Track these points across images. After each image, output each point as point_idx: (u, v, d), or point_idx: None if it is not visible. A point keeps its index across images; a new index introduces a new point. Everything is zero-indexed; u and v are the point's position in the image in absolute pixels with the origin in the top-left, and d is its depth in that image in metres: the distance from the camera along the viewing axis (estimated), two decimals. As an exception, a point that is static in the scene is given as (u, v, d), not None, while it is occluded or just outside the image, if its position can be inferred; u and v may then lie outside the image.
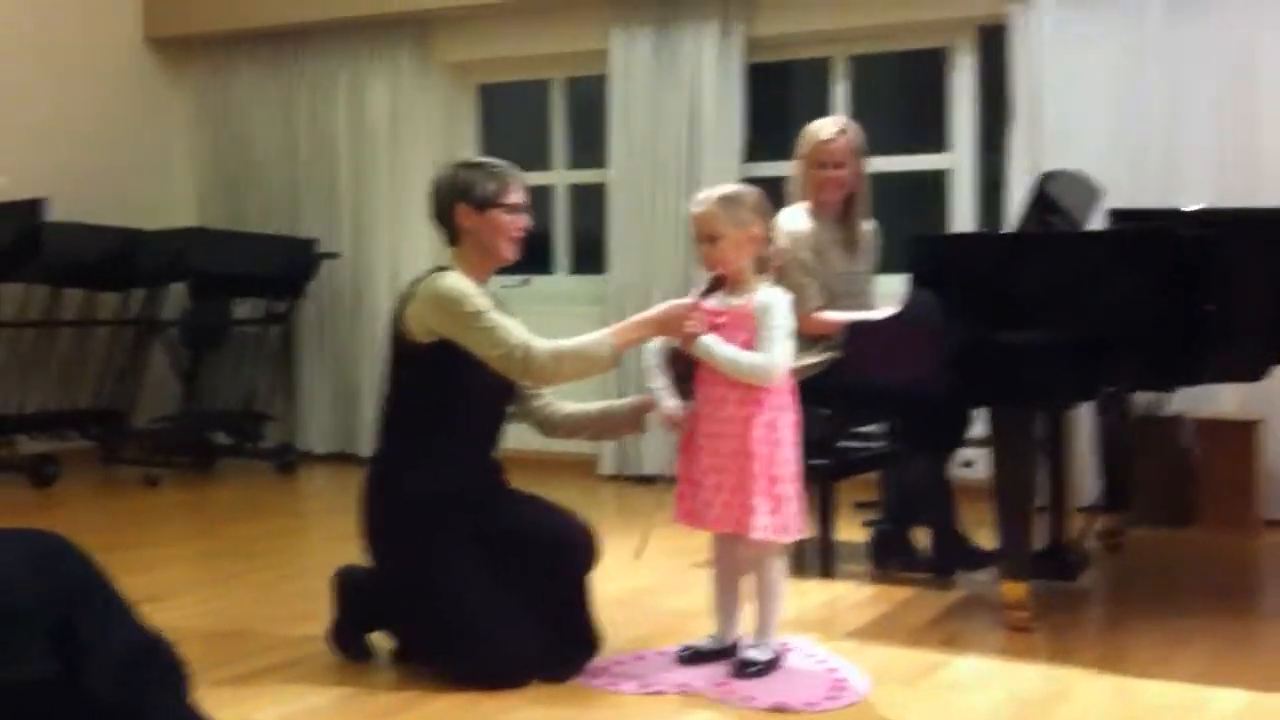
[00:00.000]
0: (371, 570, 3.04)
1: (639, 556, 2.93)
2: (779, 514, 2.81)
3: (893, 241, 4.24)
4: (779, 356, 2.83)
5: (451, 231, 2.99)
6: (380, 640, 3.06)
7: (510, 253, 3.00)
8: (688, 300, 2.88)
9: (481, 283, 3.00)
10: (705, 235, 2.89)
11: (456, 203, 2.94)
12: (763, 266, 2.93)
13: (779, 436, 2.84)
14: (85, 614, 1.73)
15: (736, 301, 2.89)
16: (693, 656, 2.97)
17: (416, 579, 2.88)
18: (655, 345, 2.96)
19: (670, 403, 2.92)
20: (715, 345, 2.83)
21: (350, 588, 3.07)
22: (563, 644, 2.92)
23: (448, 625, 2.86)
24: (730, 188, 2.96)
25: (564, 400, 3.14)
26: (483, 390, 2.92)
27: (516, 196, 2.98)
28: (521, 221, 2.99)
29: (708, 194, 2.92)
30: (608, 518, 5.08)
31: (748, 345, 2.84)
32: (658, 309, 2.90)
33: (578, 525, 3.02)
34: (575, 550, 2.98)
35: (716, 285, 2.89)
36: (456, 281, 2.88)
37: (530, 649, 2.85)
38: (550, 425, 3.11)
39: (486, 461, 3.04)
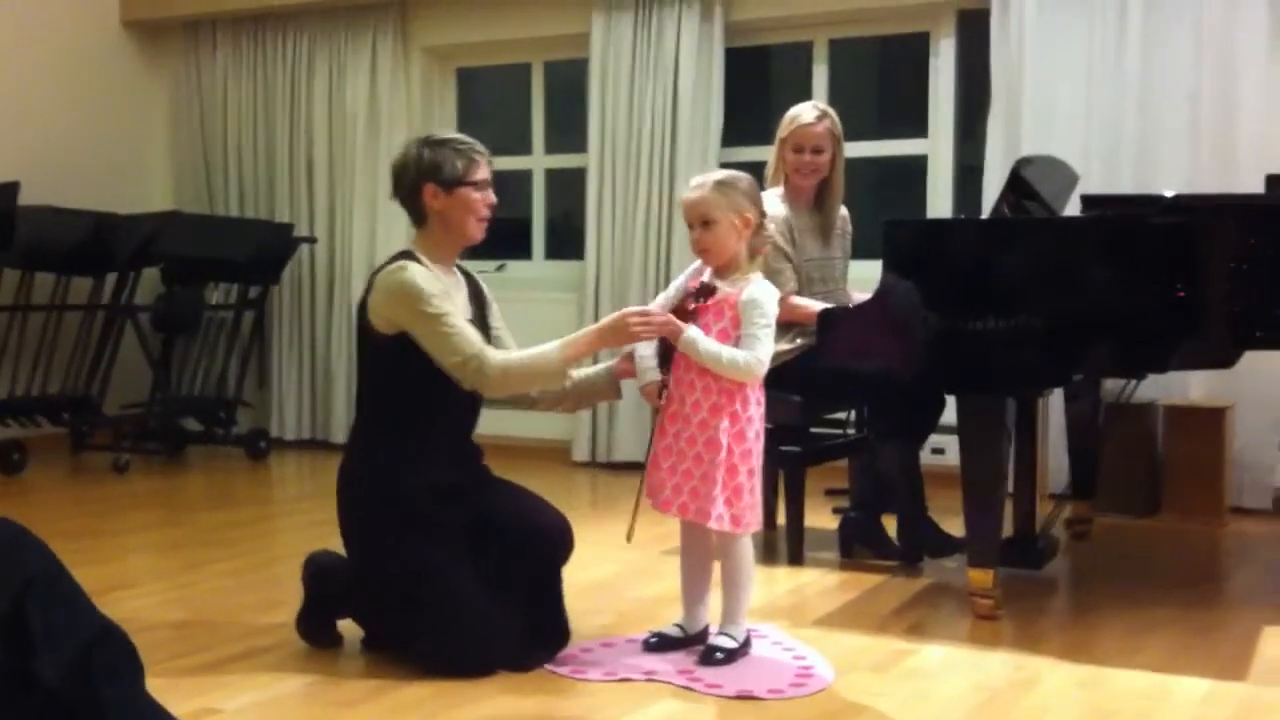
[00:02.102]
0: (341, 558, 3.03)
1: (630, 539, 2.92)
2: (736, 505, 2.81)
3: (871, 227, 4.24)
4: (763, 354, 2.82)
5: (418, 212, 2.95)
6: (349, 628, 3.05)
7: (479, 232, 2.97)
8: (631, 311, 2.85)
9: (448, 265, 2.98)
10: (699, 219, 2.87)
11: (424, 183, 2.90)
12: (754, 253, 2.92)
13: (743, 429, 2.83)
14: (37, 603, 1.71)
15: (726, 288, 2.87)
16: (660, 643, 2.97)
17: (389, 568, 2.86)
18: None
19: (652, 376, 2.91)
20: (699, 340, 2.81)
21: (319, 575, 3.05)
22: (533, 634, 2.90)
23: (419, 614, 2.84)
24: (725, 173, 2.93)
25: None
26: (447, 379, 2.89)
27: (484, 173, 2.95)
28: (490, 199, 2.96)
29: (703, 179, 2.91)
30: (581, 504, 5.10)
31: (725, 334, 2.83)
32: (609, 321, 2.86)
33: (554, 515, 3.00)
34: (551, 540, 2.97)
35: (707, 292, 2.87)
36: (417, 276, 2.83)
37: (501, 639, 2.83)
38: (530, 399, 3.09)
39: (464, 447, 3.01)
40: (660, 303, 2.97)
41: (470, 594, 2.83)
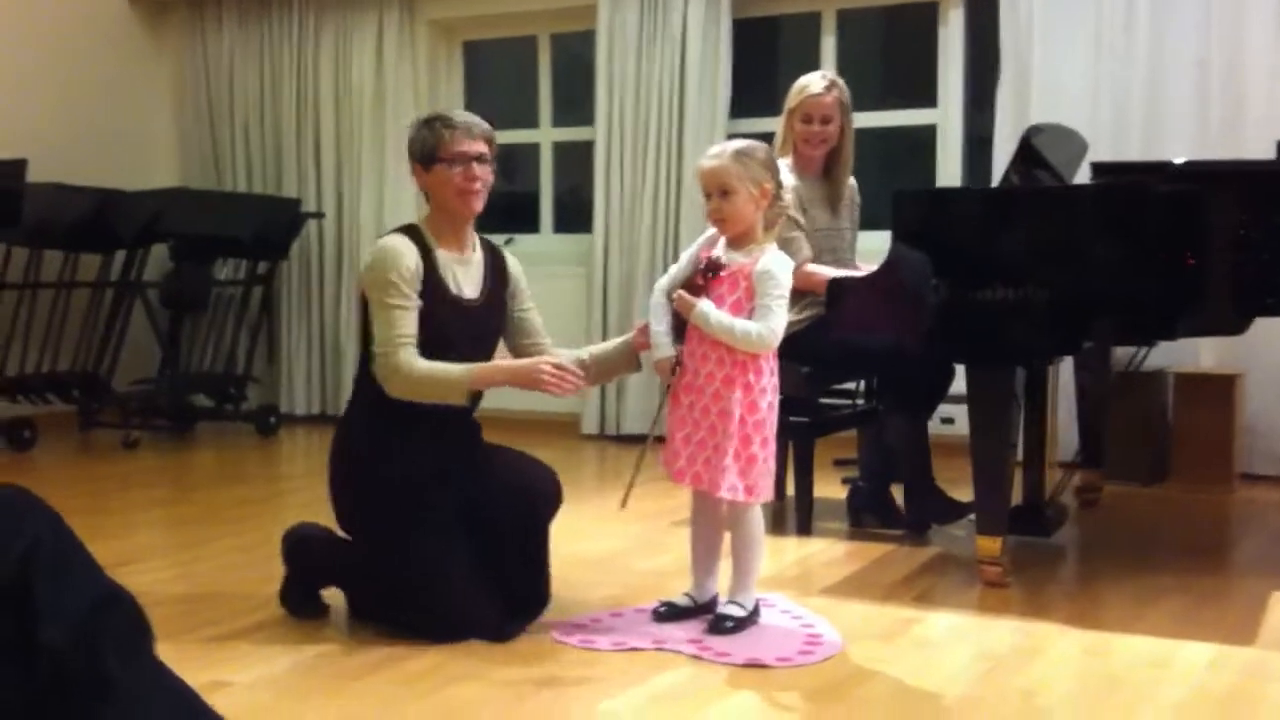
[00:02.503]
0: (319, 528, 3.07)
1: (624, 506, 2.92)
2: (749, 475, 2.81)
3: (880, 198, 4.22)
4: (776, 325, 2.81)
5: (423, 191, 2.98)
6: (334, 597, 3.07)
7: (463, 206, 2.91)
8: (549, 362, 2.82)
9: (460, 240, 2.96)
10: (718, 189, 2.84)
11: (411, 163, 2.93)
12: (770, 224, 2.90)
13: (756, 399, 2.83)
14: (42, 568, 1.71)
15: (740, 258, 2.86)
16: (669, 613, 2.98)
17: (378, 547, 2.89)
18: (663, 284, 2.95)
19: (666, 349, 2.90)
20: (711, 313, 2.81)
21: (298, 547, 3.08)
22: (516, 600, 2.91)
23: (407, 593, 2.86)
24: (743, 142, 2.91)
25: (557, 348, 3.10)
26: (458, 349, 2.89)
27: (462, 147, 2.88)
28: (471, 173, 2.88)
29: (721, 148, 2.89)
30: (590, 477, 5.11)
31: (739, 305, 2.83)
32: (523, 364, 2.87)
33: (541, 471, 3.00)
34: (537, 496, 2.96)
35: (715, 268, 2.85)
36: (391, 251, 2.84)
37: (484, 618, 2.84)
38: None
39: (459, 426, 2.98)
40: (672, 274, 2.96)
41: (458, 577, 2.84)
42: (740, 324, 2.79)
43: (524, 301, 3.10)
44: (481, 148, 2.92)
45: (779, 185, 2.91)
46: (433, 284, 2.88)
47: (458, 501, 2.91)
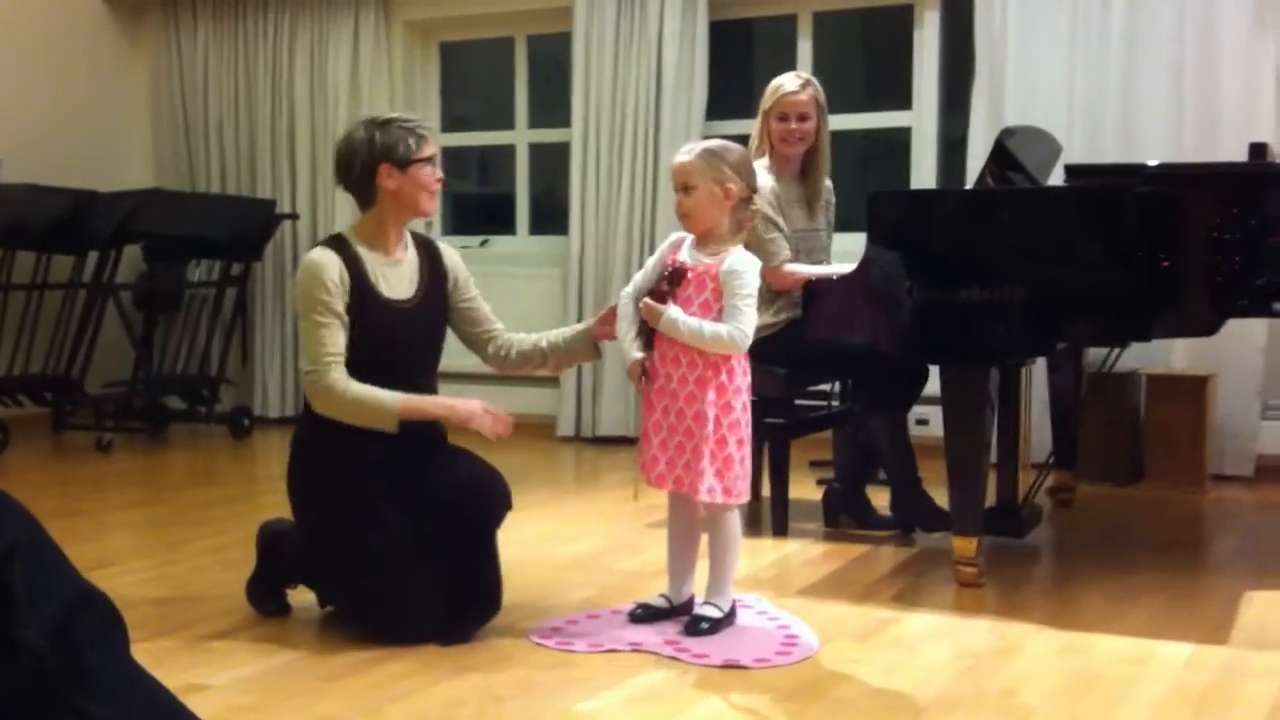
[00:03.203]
0: (291, 524, 3.07)
1: (636, 498, 2.94)
2: (726, 476, 2.81)
3: (855, 200, 4.23)
4: (745, 324, 2.81)
5: (368, 194, 2.95)
6: (301, 598, 3.08)
7: (431, 205, 2.99)
8: (484, 407, 2.88)
9: (393, 243, 2.97)
10: (681, 184, 2.85)
11: (380, 164, 2.91)
12: (740, 226, 2.90)
13: (730, 400, 2.83)
14: (19, 568, 1.70)
15: (706, 259, 2.86)
16: (645, 615, 2.97)
17: (318, 533, 2.92)
18: (629, 291, 2.94)
19: (635, 354, 2.89)
20: (679, 319, 2.80)
21: (272, 541, 3.10)
22: (463, 603, 2.91)
23: (355, 583, 2.88)
24: (716, 142, 2.92)
25: (516, 334, 3.11)
26: (400, 351, 2.91)
27: (432, 149, 2.97)
28: (439, 174, 2.99)
29: (693, 145, 2.90)
30: (566, 479, 5.10)
31: (707, 305, 2.82)
32: (461, 404, 2.89)
33: (489, 473, 2.97)
34: (484, 498, 2.93)
35: (678, 276, 2.85)
36: (315, 267, 2.86)
37: (421, 607, 2.84)
38: (505, 363, 3.10)
39: (409, 424, 2.95)
40: (637, 281, 2.95)
41: (391, 561, 2.84)
42: (710, 327, 2.79)
43: (467, 291, 3.09)
44: (437, 149, 3.02)
45: (752, 189, 2.90)
46: (362, 291, 2.89)
47: (400, 491, 2.90)
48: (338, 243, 2.95)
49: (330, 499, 2.89)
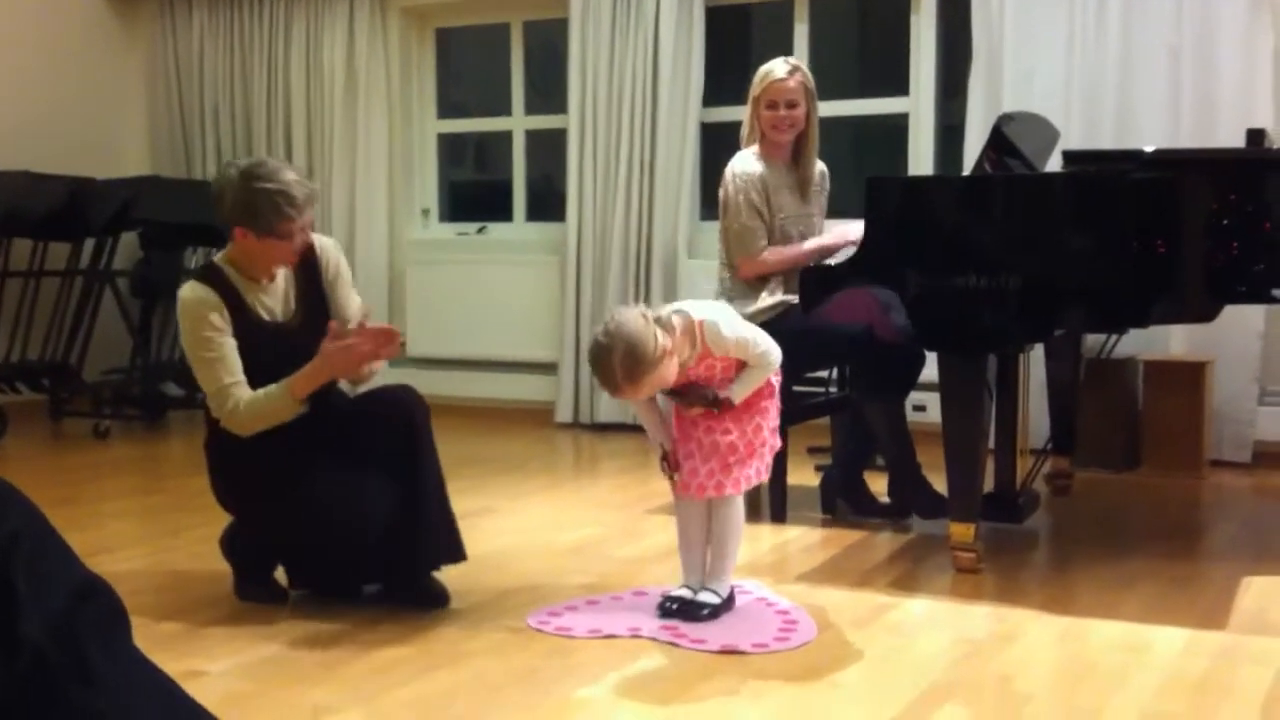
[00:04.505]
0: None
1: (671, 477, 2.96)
2: (749, 468, 2.90)
3: (852, 186, 4.23)
4: (766, 347, 2.87)
5: (229, 236, 2.93)
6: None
7: (273, 275, 2.97)
8: (339, 337, 2.85)
9: (256, 274, 2.95)
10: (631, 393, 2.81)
11: (237, 223, 2.86)
12: (679, 351, 2.81)
13: (761, 422, 2.91)
14: (21, 561, 1.70)
15: (691, 365, 2.85)
16: (678, 609, 2.90)
17: (270, 503, 2.95)
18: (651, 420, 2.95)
19: (661, 443, 2.94)
20: (739, 389, 2.86)
21: (233, 543, 3.16)
22: (420, 533, 2.92)
23: (306, 512, 2.90)
24: (625, 344, 2.68)
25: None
26: (291, 370, 2.88)
27: (297, 227, 2.86)
28: (299, 246, 2.91)
29: (622, 363, 2.71)
30: (564, 466, 5.10)
31: (729, 369, 2.87)
32: (323, 353, 2.85)
33: (401, 389, 2.98)
34: (403, 403, 2.93)
35: (684, 393, 2.87)
36: (192, 305, 2.87)
37: (386, 504, 2.87)
38: None
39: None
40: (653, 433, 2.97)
41: (331, 473, 2.88)
42: (755, 373, 2.87)
43: (344, 289, 3.08)
44: (311, 215, 2.91)
45: (667, 343, 2.74)
46: (242, 318, 2.91)
47: (326, 438, 2.92)
48: (211, 273, 2.95)
49: (255, 473, 2.93)
